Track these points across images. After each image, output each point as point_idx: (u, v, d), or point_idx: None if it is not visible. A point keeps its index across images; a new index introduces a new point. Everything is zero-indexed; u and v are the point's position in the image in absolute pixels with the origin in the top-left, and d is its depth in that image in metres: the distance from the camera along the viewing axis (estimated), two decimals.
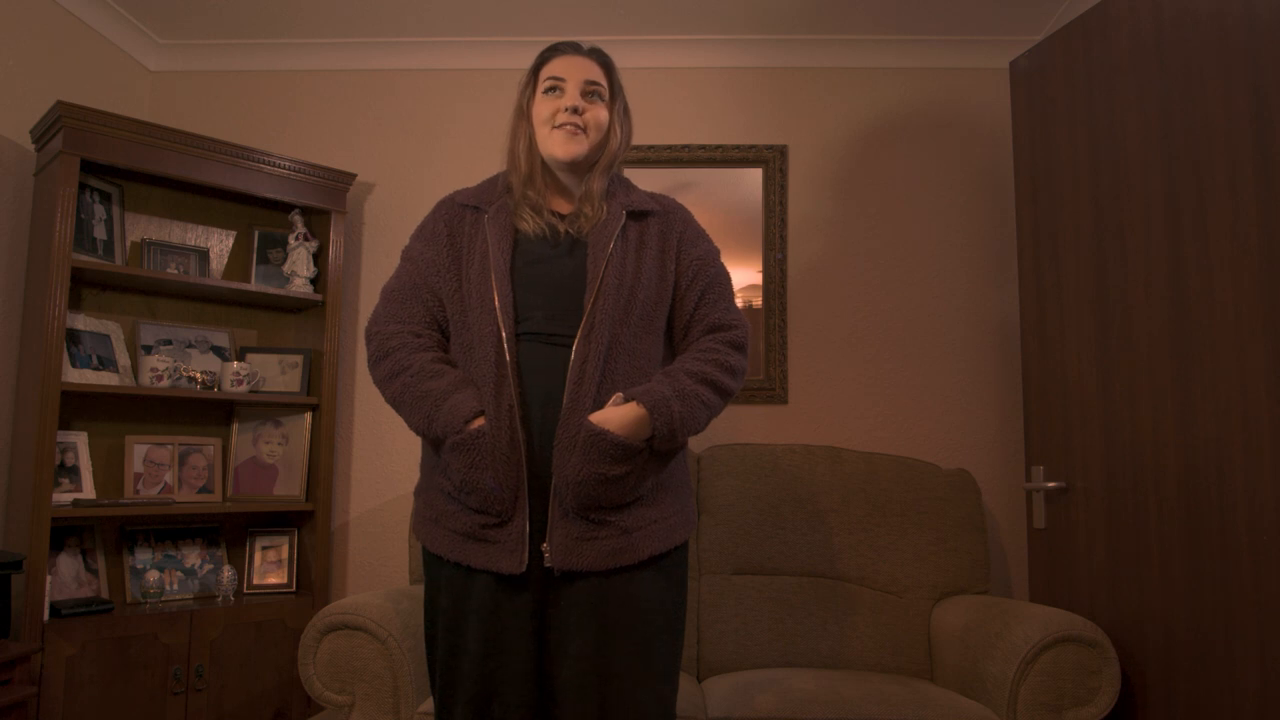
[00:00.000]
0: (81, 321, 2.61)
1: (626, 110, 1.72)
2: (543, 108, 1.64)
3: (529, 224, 1.61)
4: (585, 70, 1.65)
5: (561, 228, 1.62)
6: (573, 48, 1.68)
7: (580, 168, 1.65)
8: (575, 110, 1.61)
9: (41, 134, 2.52)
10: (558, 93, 1.64)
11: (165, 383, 2.65)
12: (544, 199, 1.65)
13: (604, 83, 1.66)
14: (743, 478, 2.61)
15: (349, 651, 2.02)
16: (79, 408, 2.62)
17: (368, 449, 3.05)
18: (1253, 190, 1.78)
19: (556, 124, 1.62)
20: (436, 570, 1.57)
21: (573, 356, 1.50)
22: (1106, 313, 2.16)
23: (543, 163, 1.66)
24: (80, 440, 2.62)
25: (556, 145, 1.61)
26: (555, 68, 1.65)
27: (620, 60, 3.02)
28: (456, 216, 1.67)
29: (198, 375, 2.73)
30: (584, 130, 1.62)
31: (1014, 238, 2.91)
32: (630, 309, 1.55)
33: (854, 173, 3.06)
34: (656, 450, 1.51)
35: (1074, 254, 2.27)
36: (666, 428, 1.49)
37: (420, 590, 2.23)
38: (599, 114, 1.64)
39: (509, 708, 1.47)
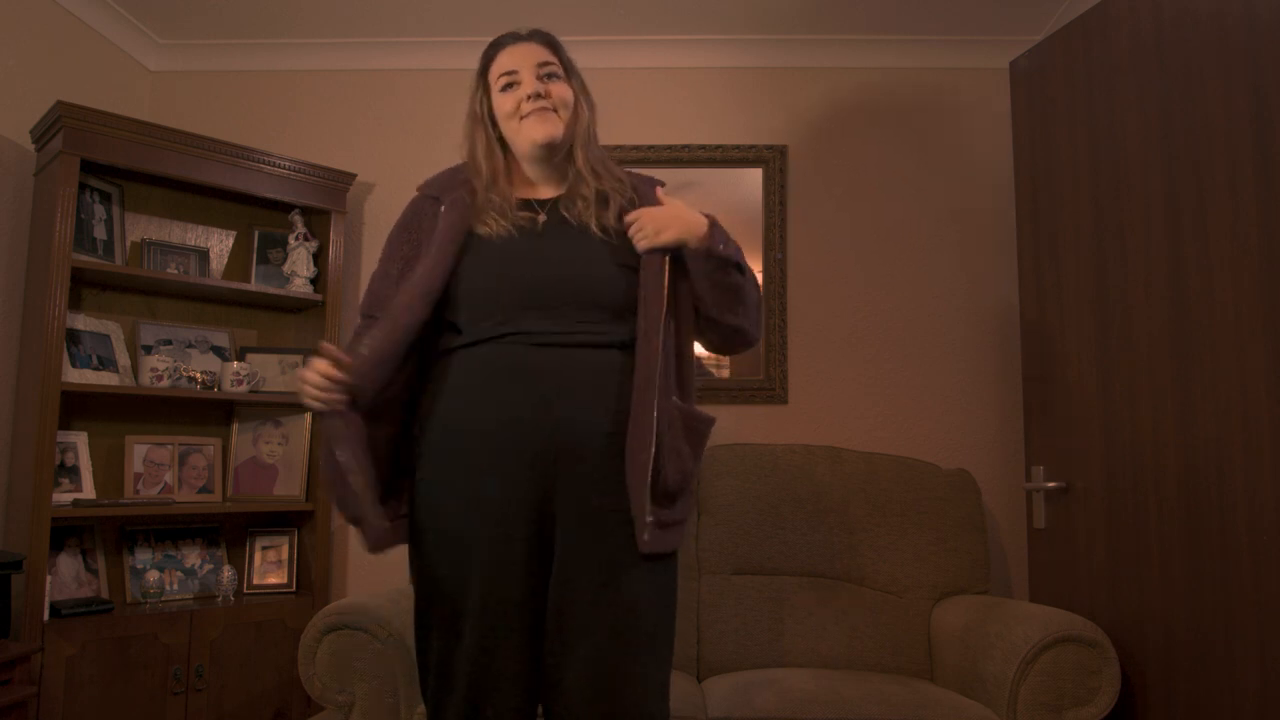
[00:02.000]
0: (81, 321, 2.61)
1: (585, 85, 1.68)
2: (505, 103, 1.60)
3: (491, 227, 1.56)
4: (534, 54, 1.61)
5: (540, 218, 1.58)
6: (513, 37, 1.64)
7: (557, 151, 1.61)
8: (538, 95, 1.57)
9: (41, 134, 2.52)
10: (515, 85, 1.59)
11: (165, 383, 2.65)
12: (509, 201, 1.60)
13: (555, 60, 1.62)
14: (743, 478, 2.61)
15: (349, 651, 2.02)
16: (79, 408, 2.62)
17: None
18: (1253, 190, 1.78)
19: (524, 113, 1.58)
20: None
21: (639, 359, 1.49)
22: (1106, 313, 2.15)
23: (506, 163, 1.63)
24: (80, 440, 2.62)
25: (533, 130, 1.57)
26: (503, 62, 1.61)
27: (620, 60, 2.99)
28: (420, 211, 1.64)
29: (198, 375, 2.72)
30: (554, 110, 1.58)
31: (1014, 238, 2.91)
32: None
33: (854, 173, 3.06)
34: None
35: (1074, 254, 2.27)
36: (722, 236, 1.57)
37: None
38: (562, 91, 1.60)
39: (503, 709, 1.46)
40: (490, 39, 1.69)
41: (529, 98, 1.57)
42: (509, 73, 1.60)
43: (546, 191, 1.65)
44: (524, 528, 1.47)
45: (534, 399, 1.48)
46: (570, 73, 1.65)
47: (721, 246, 1.56)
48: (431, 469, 1.54)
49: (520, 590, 1.47)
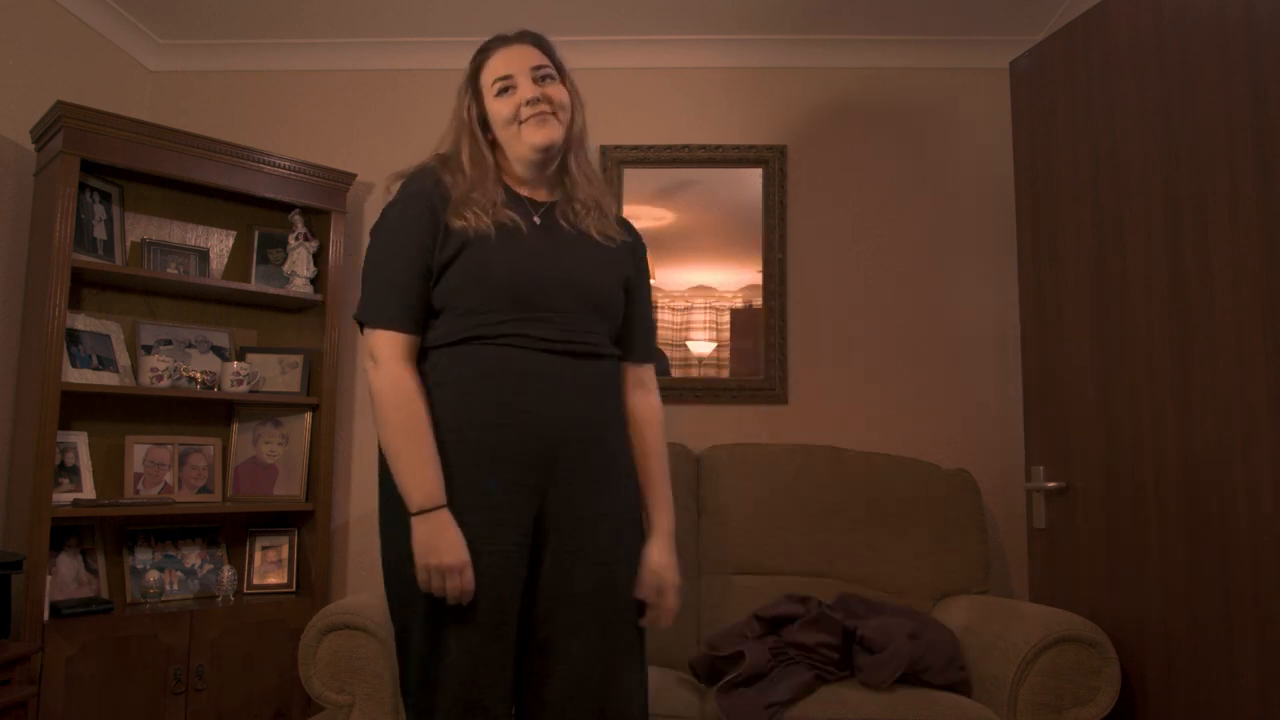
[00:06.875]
0: (81, 321, 2.61)
1: (575, 85, 1.66)
2: (502, 109, 1.57)
3: (470, 221, 1.51)
4: (527, 57, 1.59)
5: (535, 219, 1.58)
6: (502, 40, 1.62)
7: (554, 155, 1.60)
8: (537, 99, 1.55)
9: (41, 134, 2.52)
10: (511, 90, 1.57)
11: (165, 383, 2.65)
12: (494, 200, 1.56)
13: (548, 62, 1.60)
14: (743, 478, 2.60)
15: (349, 651, 2.02)
16: (79, 408, 2.62)
17: (368, 449, 3.04)
18: (1253, 189, 1.78)
19: (523, 118, 1.55)
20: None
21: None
22: (1106, 313, 2.15)
23: (496, 166, 1.60)
24: (80, 440, 2.62)
25: (532, 135, 1.55)
26: (496, 66, 1.59)
27: (620, 60, 2.98)
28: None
29: (198, 375, 2.72)
30: (553, 114, 1.56)
31: (1014, 238, 2.91)
32: None
33: (854, 173, 3.06)
34: None
35: (1074, 254, 2.27)
36: None
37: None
38: (559, 93, 1.59)
39: (497, 708, 1.46)
40: (482, 37, 1.68)
41: (528, 102, 1.55)
42: (504, 77, 1.57)
43: (538, 195, 1.63)
44: (523, 530, 1.48)
45: (536, 403, 1.48)
46: (562, 73, 1.63)
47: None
48: None
49: (519, 590, 1.48)
